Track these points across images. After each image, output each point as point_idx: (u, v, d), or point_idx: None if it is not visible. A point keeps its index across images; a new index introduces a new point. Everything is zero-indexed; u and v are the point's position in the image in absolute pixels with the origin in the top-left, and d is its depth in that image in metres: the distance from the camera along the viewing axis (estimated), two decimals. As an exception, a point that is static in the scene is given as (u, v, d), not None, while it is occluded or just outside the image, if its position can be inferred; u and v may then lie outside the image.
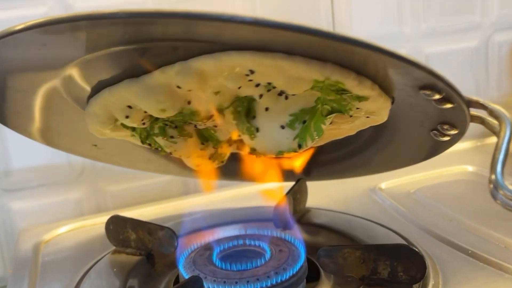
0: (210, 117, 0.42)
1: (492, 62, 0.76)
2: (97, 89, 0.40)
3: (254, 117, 0.40)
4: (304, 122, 0.40)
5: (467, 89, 0.73)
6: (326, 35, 0.31)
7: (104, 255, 0.52)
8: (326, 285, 0.45)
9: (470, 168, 0.67)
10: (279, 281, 0.43)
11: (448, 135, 0.43)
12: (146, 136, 0.44)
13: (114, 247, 0.53)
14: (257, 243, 0.48)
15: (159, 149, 0.45)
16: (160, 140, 0.44)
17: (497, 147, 0.37)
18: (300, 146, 0.40)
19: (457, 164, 0.68)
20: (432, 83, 0.36)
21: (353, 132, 0.45)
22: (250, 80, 0.37)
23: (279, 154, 0.42)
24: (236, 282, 0.42)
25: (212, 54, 0.35)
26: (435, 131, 0.43)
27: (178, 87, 0.37)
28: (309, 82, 0.36)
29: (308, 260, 0.46)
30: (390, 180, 0.64)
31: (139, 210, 0.64)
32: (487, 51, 0.75)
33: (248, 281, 0.42)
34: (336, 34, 0.31)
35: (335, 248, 0.44)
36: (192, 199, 0.67)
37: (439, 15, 0.72)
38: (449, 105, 0.38)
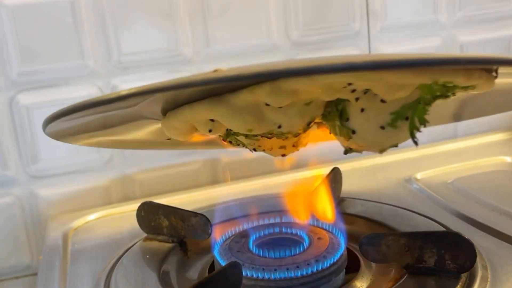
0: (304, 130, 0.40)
1: (529, 52, 0.74)
2: (174, 103, 0.37)
3: (347, 119, 0.38)
4: (407, 118, 0.36)
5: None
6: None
7: (136, 242, 0.51)
8: (366, 274, 0.44)
9: (508, 159, 0.65)
10: (319, 269, 0.41)
11: None
12: (226, 135, 0.42)
13: (144, 234, 0.52)
14: (294, 231, 0.47)
15: (240, 145, 0.43)
16: (242, 139, 0.42)
17: None
18: (415, 143, 0.37)
19: (494, 155, 0.66)
20: None
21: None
22: (346, 88, 0.34)
23: (381, 152, 0.39)
24: (275, 270, 0.41)
25: None
26: None
27: (267, 104, 0.35)
28: (413, 86, 0.34)
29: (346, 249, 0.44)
30: (426, 170, 0.63)
31: (167, 198, 0.63)
32: (525, 40, 0.73)
33: (287, 269, 0.41)
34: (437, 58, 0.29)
35: (378, 236, 0.42)
36: (221, 188, 0.66)
37: (475, 3, 0.70)
38: None
